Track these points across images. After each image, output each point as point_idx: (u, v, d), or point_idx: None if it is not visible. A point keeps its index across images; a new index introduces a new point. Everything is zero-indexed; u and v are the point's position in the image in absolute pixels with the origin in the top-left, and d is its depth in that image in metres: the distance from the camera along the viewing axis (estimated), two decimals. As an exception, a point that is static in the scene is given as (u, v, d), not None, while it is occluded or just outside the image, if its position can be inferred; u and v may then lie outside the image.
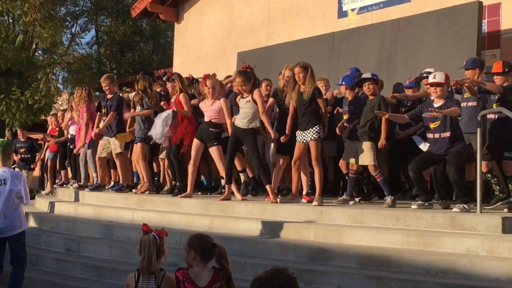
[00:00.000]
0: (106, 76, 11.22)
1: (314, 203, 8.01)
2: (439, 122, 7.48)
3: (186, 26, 17.65)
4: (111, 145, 10.83)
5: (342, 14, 13.17)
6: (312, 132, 8.16)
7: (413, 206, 7.52)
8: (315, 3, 13.85)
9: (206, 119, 9.31)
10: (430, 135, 7.68)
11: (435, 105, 7.61)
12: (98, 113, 11.12)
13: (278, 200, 8.47)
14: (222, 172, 9.19)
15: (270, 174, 9.17)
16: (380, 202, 8.59)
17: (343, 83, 9.31)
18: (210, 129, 9.22)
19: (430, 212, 7.08)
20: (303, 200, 8.60)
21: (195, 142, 9.34)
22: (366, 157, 8.29)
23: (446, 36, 10.06)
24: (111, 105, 10.78)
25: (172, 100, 10.05)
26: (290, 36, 14.05)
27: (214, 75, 9.73)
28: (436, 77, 7.67)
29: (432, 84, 7.72)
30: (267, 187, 8.65)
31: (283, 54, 12.78)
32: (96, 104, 11.41)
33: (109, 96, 10.95)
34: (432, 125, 7.57)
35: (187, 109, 9.73)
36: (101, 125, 10.84)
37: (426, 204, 7.54)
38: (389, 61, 11.08)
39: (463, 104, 8.15)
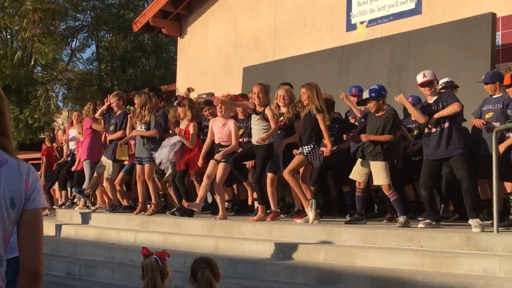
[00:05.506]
0: (115, 94, 11.20)
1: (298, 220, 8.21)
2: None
3: (189, 40, 17.54)
4: (106, 168, 10.77)
5: (350, 27, 13.05)
6: (305, 148, 8.24)
7: (420, 225, 7.47)
8: (323, 16, 13.71)
9: (216, 141, 9.27)
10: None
11: (431, 102, 7.67)
12: (105, 132, 11.18)
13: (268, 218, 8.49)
14: (220, 189, 9.16)
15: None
16: (391, 222, 8.47)
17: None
18: (220, 149, 9.15)
19: (445, 231, 6.95)
20: (296, 221, 8.39)
21: (212, 161, 9.18)
22: (380, 177, 8.10)
23: (459, 49, 9.96)
24: (119, 123, 10.77)
25: (182, 127, 9.98)
26: (297, 50, 13.93)
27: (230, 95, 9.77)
28: (426, 75, 7.70)
29: (422, 85, 7.75)
30: (260, 206, 8.55)
31: (290, 68, 12.71)
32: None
33: (117, 113, 10.93)
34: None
35: (192, 140, 9.67)
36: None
37: (434, 223, 7.47)
38: (400, 75, 10.97)
39: None
